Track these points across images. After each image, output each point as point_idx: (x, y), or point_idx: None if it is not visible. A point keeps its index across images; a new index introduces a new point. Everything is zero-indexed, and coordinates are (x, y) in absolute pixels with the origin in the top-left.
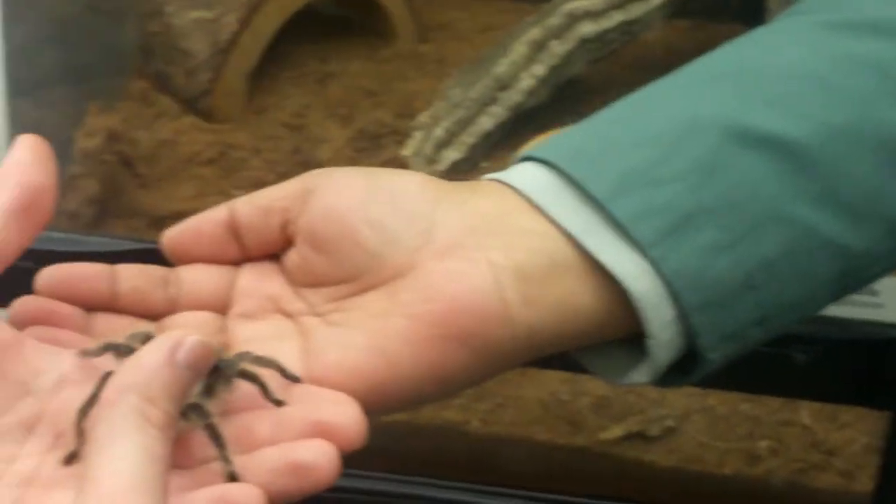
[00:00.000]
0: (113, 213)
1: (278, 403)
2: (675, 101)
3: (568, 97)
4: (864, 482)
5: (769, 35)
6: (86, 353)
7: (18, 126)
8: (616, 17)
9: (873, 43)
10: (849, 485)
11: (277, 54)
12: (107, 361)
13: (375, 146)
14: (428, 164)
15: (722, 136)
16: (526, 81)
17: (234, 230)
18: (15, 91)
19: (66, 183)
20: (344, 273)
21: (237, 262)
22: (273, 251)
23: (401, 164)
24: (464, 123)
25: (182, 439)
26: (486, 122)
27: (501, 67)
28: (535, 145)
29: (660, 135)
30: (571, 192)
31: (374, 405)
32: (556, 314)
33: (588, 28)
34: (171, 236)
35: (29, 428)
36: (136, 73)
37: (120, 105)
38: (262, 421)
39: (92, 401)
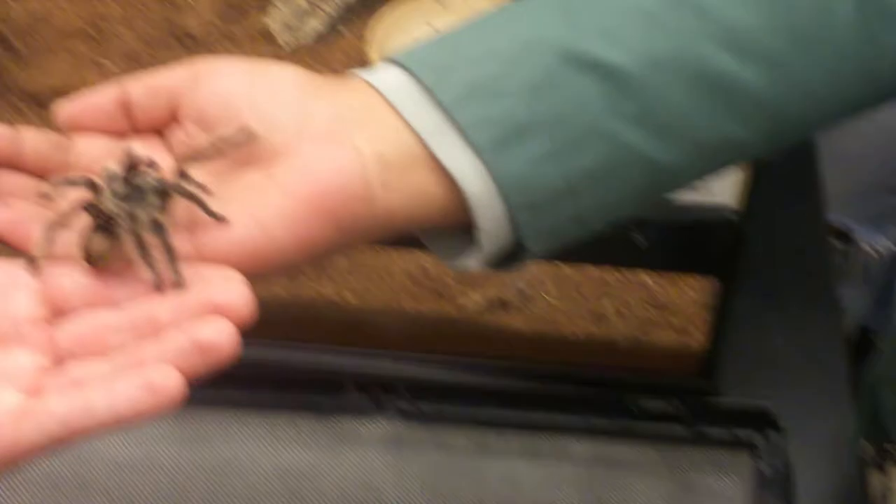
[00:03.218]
0: None
1: (219, 218)
2: (520, 22)
3: None
4: (698, 338)
5: None
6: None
7: None
8: None
9: None
10: (685, 340)
11: None
12: None
13: (240, 15)
14: (291, 32)
15: (556, 58)
16: None
17: (124, 106)
18: None
19: None
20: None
21: (125, 136)
22: (158, 128)
23: (265, 32)
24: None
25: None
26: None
27: None
28: (398, 9)
29: (502, 52)
30: (425, 96)
31: (253, 273)
32: (409, 200)
33: None
34: (65, 108)
35: None
36: None
37: None
38: (162, 306)
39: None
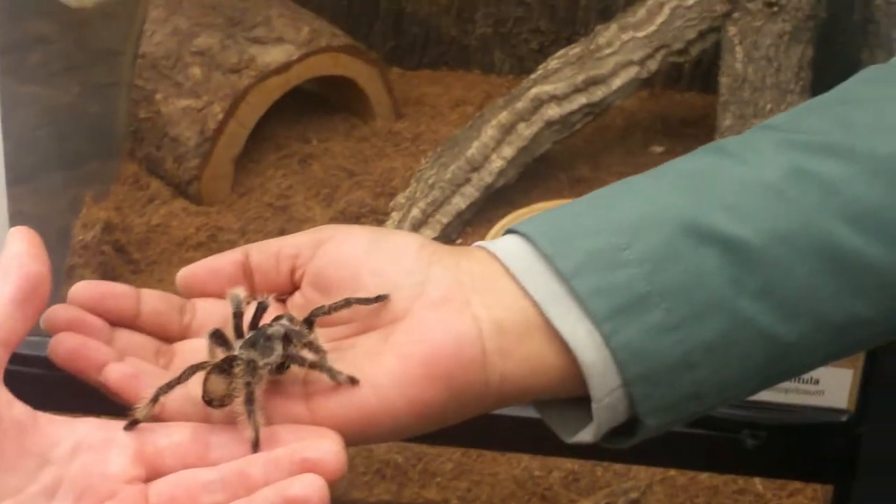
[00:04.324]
0: None
1: (353, 381)
2: (641, 195)
3: (534, 174)
4: None
5: (736, 145)
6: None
7: (17, 214)
8: (579, 100)
9: (824, 163)
10: None
11: (260, 136)
12: None
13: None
14: None
15: (678, 231)
16: (496, 163)
17: (246, 271)
18: (12, 179)
19: (64, 273)
20: (344, 316)
21: (246, 301)
22: (279, 293)
23: None
24: (438, 204)
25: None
26: (459, 202)
27: (473, 150)
28: (514, 220)
29: (623, 223)
30: (544, 264)
31: (363, 435)
32: (524, 368)
33: (553, 111)
34: (187, 272)
35: (51, 494)
36: (127, 157)
37: (113, 189)
38: (255, 464)
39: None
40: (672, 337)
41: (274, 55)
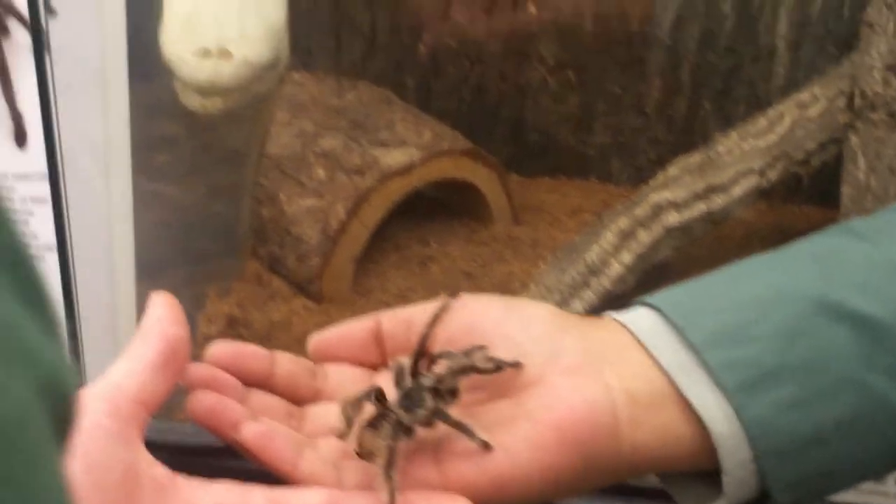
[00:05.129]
0: None
1: (486, 447)
2: (771, 272)
3: (652, 281)
4: None
5: (865, 226)
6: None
7: (145, 308)
8: (699, 208)
9: None
10: None
11: (381, 237)
12: None
13: None
14: None
15: (808, 307)
16: (615, 268)
17: (377, 338)
18: (140, 273)
19: None
20: (477, 382)
21: (376, 367)
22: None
23: None
24: (557, 307)
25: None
26: (577, 306)
27: (592, 254)
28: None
29: (754, 299)
30: (674, 336)
31: (493, 501)
32: (656, 437)
33: (673, 218)
34: (319, 338)
35: None
36: (250, 254)
37: (236, 286)
38: None
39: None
40: (803, 412)
41: (396, 157)
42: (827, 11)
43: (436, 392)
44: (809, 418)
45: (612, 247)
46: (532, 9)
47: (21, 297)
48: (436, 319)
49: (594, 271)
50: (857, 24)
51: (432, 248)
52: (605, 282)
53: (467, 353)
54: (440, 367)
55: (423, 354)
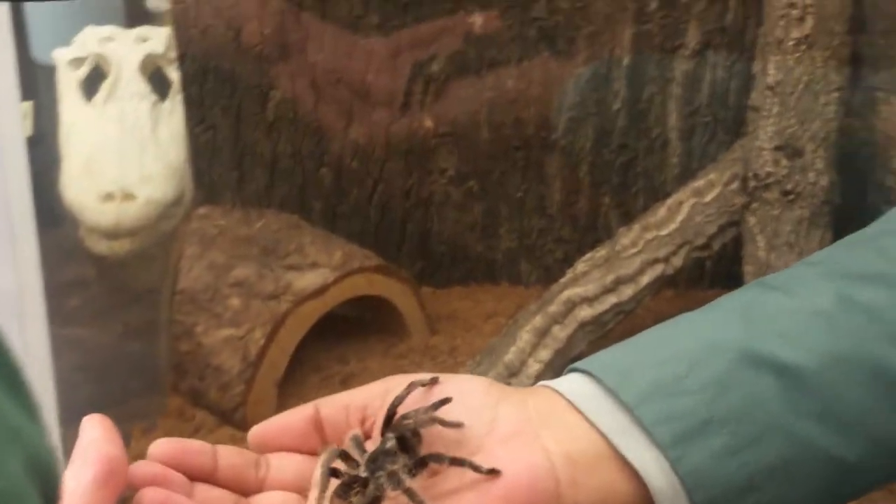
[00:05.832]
0: None
1: (493, 472)
2: (699, 327)
3: None
4: None
5: (780, 280)
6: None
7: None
8: (609, 300)
9: (872, 292)
10: None
11: (301, 360)
12: None
13: None
14: None
15: (736, 359)
16: (533, 367)
17: (316, 425)
18: (63, 419)
19: None
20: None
21: (316, 454)
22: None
23: None
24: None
25: None
26: None
27: (511, 355)
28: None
29: (682, 354)
30: (609, 398)
31: None
32: (597, 497)
33: (585, 312)
34: (260, 430)
35: None
36: (171, 390)
37: (160, 422)
38: None
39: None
40: (736, 461)
41: (310, 280)
42: (713, 99)
43: (401, 454)
44: (742, 466)
45: (530, 346)
46: (428, 123)
47: (4, 382)
48: (405, 396)
49: (514, 372)
50: (743, 110)
51: (352, 366)
52: (524, 381)
53: (415, 412)
54: (393, 430)
55: (389, 422)
